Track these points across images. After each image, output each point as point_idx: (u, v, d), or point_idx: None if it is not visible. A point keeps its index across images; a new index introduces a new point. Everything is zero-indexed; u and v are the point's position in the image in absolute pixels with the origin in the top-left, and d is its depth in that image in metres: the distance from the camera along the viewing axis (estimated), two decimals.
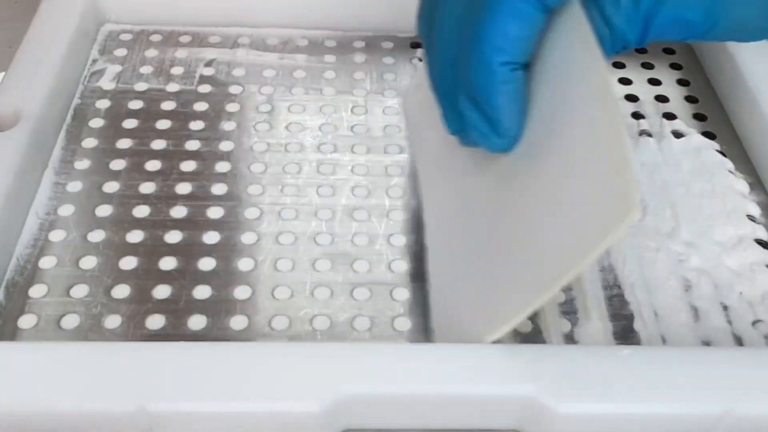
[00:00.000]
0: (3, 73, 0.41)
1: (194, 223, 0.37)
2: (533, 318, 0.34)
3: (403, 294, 0.35)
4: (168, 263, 0.36)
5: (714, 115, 0.45)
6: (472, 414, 0.29)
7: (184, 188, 0.39)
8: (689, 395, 0.29)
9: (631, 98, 0.45)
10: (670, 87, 0.46)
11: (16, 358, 0.29)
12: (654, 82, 0.47)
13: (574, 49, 0.29)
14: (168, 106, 0.44)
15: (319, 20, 0.49)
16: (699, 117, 0.44)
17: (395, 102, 0.44)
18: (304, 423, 0.29)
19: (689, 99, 0.46)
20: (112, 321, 0.33)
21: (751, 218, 0.39)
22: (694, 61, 0.48)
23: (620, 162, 0.26)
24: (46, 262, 0.35)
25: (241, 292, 0.35)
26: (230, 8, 0.48)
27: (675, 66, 0.48)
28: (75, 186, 0.39)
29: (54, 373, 0.28)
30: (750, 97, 0.42)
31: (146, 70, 0.46)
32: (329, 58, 0.47)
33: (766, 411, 0.29)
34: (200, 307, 0.34)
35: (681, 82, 0.47)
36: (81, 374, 0.28)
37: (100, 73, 0.45)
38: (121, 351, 0.30)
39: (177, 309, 0.34)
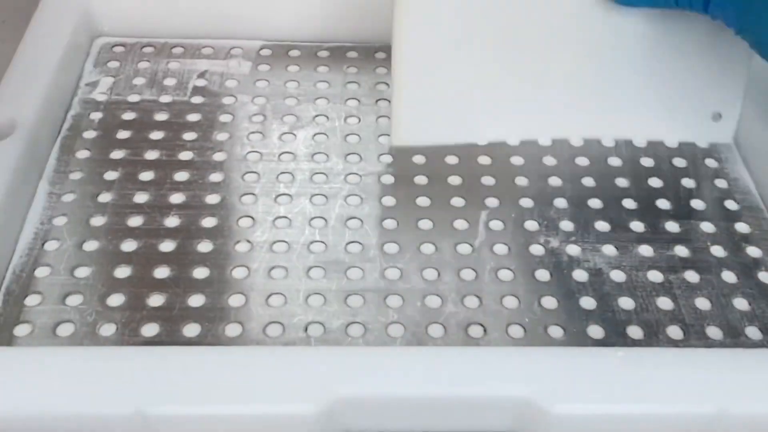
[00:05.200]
0: None
1: (188, 232, 0.37)
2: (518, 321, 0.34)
3: (397, 301, 0.35)
4: (162, 272, 0.36)
5: None
6: (467, 416, 0.30)
7: (177, 198, 0.39)
8: (684, 395, 0.29)
9: None
10: None
11: (14, 363, 0.29)
12: None
13: None
14: (161, 116, 0.44)
15: (311, 31, 0.49)
16: None
17: (387, 111, 0.45)
18: (300, 426, 0.29)
19: None
20: (107, 329, 0.33)
21: None
22: None
23: None
24: (41, 272, 0.35)
25: (235, 300, 0.35)
26: (223, 21, 0.48)
27: None
28: (69, 196, 0.39)
29: (51, 377, 0.29)
30: None
31: (139, 81, 0.46)
32: (322, 68, 0.48)
33: (761, 411, 0.29)
34: (194, 314, 0.34)
35: None
36: (78, 378, 0.28)
37: (93, 84, 0.45)
38: (118, 355, 0.30)
39: (171, 317, 0.34)
